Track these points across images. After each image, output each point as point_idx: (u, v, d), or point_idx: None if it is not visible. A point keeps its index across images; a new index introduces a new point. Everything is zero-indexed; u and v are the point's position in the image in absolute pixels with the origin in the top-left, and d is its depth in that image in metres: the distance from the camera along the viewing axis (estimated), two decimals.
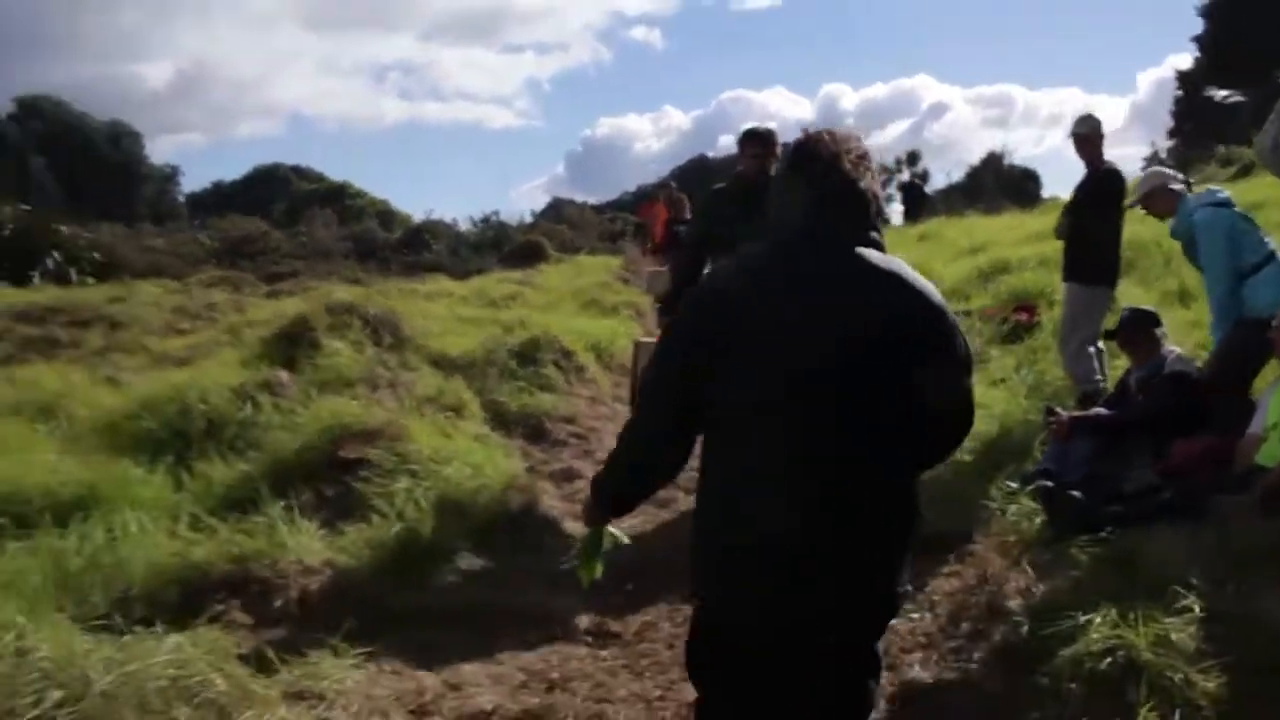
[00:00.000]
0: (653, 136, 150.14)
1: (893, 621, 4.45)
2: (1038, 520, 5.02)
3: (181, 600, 4.64)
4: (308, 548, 5.24)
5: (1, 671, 3.27)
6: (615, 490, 2.72)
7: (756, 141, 6.16)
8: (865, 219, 2.41)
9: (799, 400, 2.33)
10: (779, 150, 5.88)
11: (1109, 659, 3.65)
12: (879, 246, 2.40)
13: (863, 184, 2.42)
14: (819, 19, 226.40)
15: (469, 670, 4.51)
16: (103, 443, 6.50)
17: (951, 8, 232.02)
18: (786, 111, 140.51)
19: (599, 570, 2.90)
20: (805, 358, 2.31)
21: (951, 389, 2.39)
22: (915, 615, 4.69)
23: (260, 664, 3.94)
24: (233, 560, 4.98)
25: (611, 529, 2.85)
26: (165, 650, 3.50)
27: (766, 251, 2.48)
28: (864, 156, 2.46)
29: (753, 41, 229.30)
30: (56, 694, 3.21)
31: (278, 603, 4.84)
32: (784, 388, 2.33)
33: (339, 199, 47.83)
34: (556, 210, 47.60)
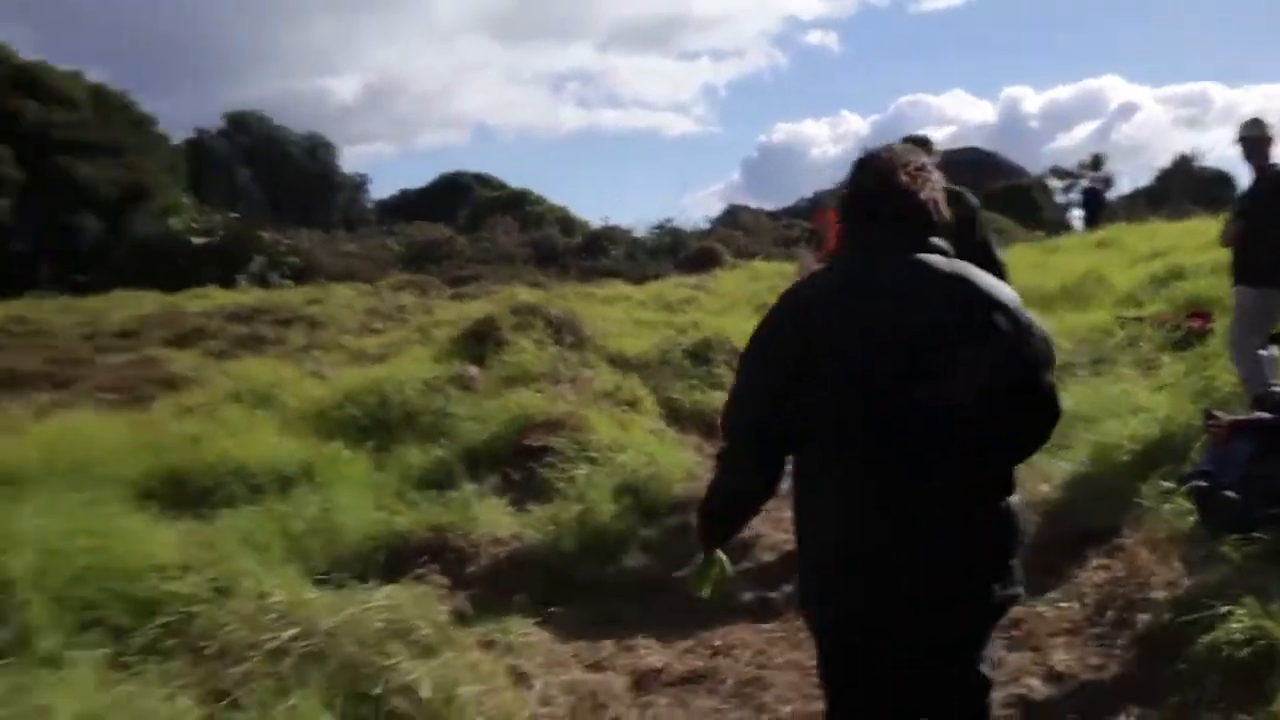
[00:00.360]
0: (829, 142, 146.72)
1: (1040, 609, 4.71)
2: (1191, 519, 5.10)
3: (387, 561, 5.32)
4: (497, 522, 5.85)
5: (246, 611, 3.86)
6: (716, 515, 2.74)
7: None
8: (925, 227, 2.55)
9: (873, 400, 2.41)
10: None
11: (1248, 647, 3.75)
12: (944, 253, 2.54)
13: (921, 195, 2.56)
14: (1000, 19, 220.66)
15: (641, 635, 4.96)
16: (312, 427, 7.28)
17: (1141, 3, 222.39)
18: (966, 115, 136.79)
19: (709, 588, 2.87)
20: (873, 358, 2.41)
21: (1030, 385, 2.48)
22: (1063, 604, 4.86)
23: (457, 618, 4.47)
24: (431, 529, 5.64)
25: (722, 557, 2.86)
26: (379, 599, 4.03)
27: (841, 261, 2.67)
28: (922, 169, 2.60)
29: (931, 44, 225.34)
30: (290, 631, 3.75)
31: (470, 568, 5.46)
32: (859, 390, 2.42)
33: (519, 206, 49.05)
34: (732, 216, 47.85)
